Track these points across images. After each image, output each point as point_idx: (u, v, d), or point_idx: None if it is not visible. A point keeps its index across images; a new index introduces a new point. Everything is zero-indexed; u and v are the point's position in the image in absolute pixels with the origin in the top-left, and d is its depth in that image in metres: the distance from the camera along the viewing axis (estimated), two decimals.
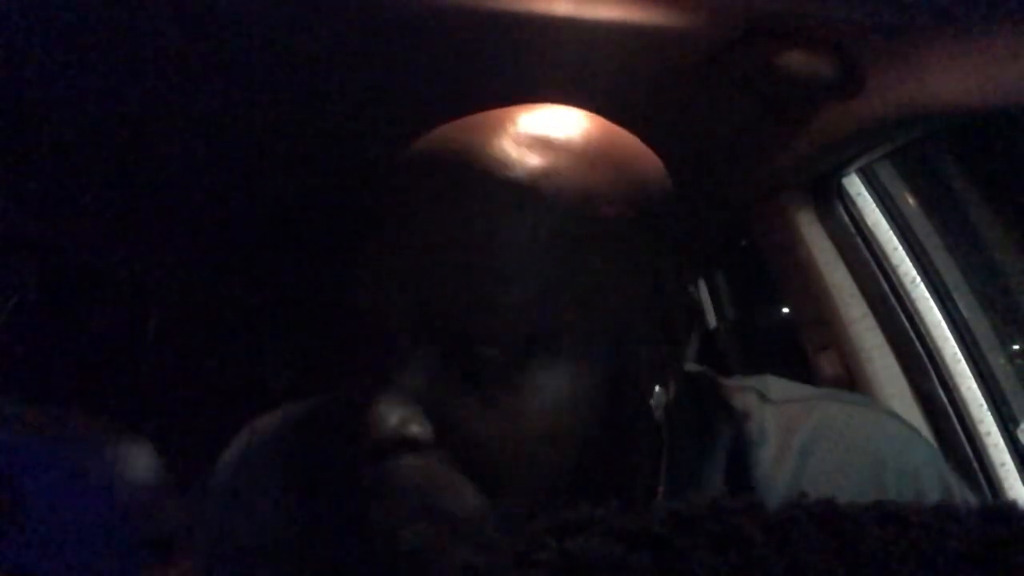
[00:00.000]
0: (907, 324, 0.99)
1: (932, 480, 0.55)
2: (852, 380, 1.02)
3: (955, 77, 0.74)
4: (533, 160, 0.47)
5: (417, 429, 0.45)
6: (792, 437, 0.55)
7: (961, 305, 0.99)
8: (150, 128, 0.92)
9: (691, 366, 0.63)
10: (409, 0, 0.73)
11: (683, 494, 0.53)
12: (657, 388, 0.51)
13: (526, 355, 0.45)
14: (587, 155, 0.49)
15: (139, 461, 0.40)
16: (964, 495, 0.56)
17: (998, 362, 0.98)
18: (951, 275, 1.01)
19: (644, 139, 0.75)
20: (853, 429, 0.56)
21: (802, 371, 1.10)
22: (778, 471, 0.54)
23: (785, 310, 1.25)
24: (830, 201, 1.04)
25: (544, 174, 0.47)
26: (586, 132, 0.51)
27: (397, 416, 0.45)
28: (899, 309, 1.00)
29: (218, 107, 0.89)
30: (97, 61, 0.80)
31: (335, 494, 0.52)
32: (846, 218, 1.04)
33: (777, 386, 0.59)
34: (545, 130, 0.49)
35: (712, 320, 1.52)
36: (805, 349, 1.10)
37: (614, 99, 0.85)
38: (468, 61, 0.81)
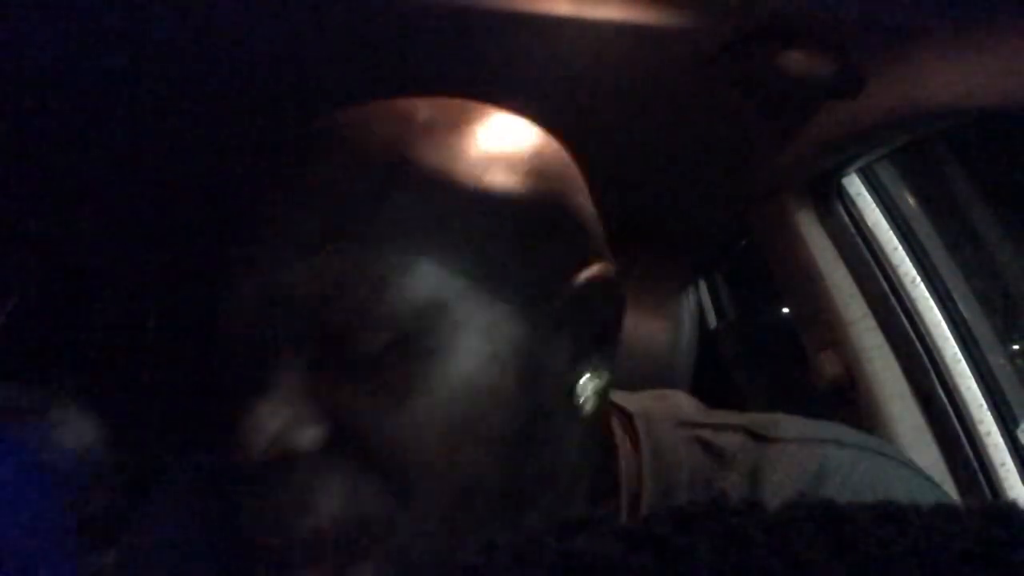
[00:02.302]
0: (907, 324, 0.99)
1: None
2: (852, 380, 1.02)
3: (955, 77, 0.74)
4: (417, 150, 0.44)
5: (302, 433, 0.40)
6: (789, 483, 0.49)
7: (961, 305, 0.99)
8: (150, 127, 0.92)
9: (662, 393, 0.59)
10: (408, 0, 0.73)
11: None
12: (584, 377, 0.46)
13: (406, 343, 0.41)
14: (476, 146, 0.46)
15: (75, 432, 0.37)
16: None
17: (998, 362, 0.98)
18: (951, 275, 1.01)
19: (644, 139, 0.76)
20: (858, 475, 0.50)
21: (802, 371, 1.10)
22: None
23: (785, 310, 1.25)
24: (830, 201, 1.04)
25: (454, 145, 0.45)
26: (477, 122, 0.48)
27: (278, 421, 0.40)
28: (899, 309, 1.00)
29: (218, 106, 0.89)
30: (97, 59, 0.80)
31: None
32: (846, 218, 1.04)
33: (769, 422, 0.53)
34: (438, 120, 0.47)
35: (712, 320, 1.52)
36: (805, 349, 1.10)
37: (614, 99, 0.85)
38: (468, 61, 0.81)
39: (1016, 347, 1.06)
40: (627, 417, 0.54)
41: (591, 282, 0.47)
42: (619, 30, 0.76)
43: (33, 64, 0.80)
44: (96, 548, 0.37)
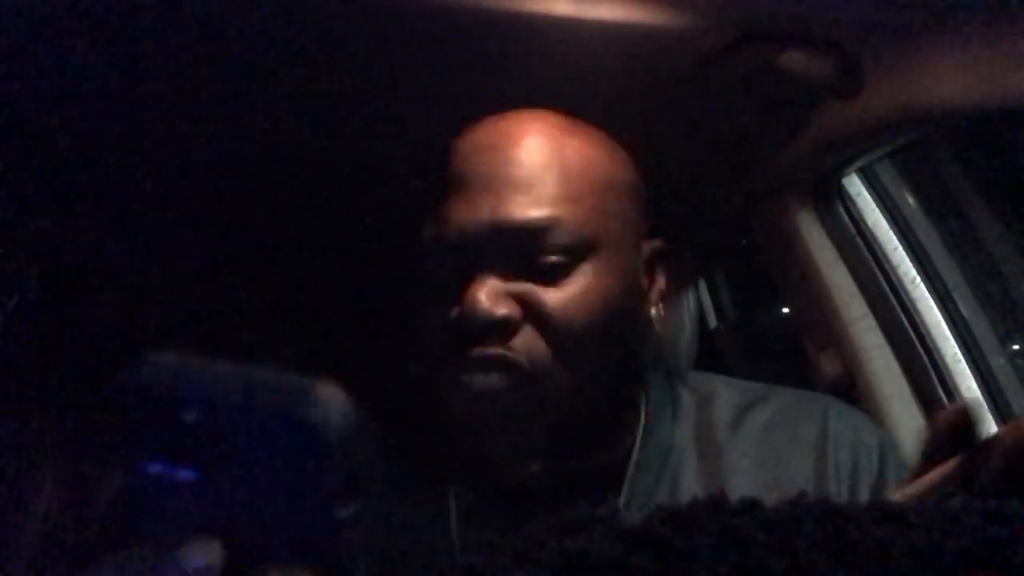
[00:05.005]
0: (907, 324, 0.99)
1: (871, 450, 0.73)
2: (852, 380, 1.02)
3: (955, 77, 0.74)
4: (575, 131, 0.73)
5: (507, 310, 0.67)
6: (752, 412, 0.76)
7: (961, 305, 0.99)
8: (150, 127, 0.92)
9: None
10: (408, 0, 0.73)
11: (656, 445, 0.74)
12: (653, 310, 0.75)
13: (577, 258, 0.68)
14: (600, 135, 0.75)
15: (338, 404, 0.41)
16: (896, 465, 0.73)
17: (998, 362, 0.98)
18: (951, 275, 1.01)
19: (645, 139, 0.76)
20: (805, 404, 0.77)
21: (802, 371, 1.10)
22: (740, 440, 0.74)
23: (785, 310, 1.25)
24: (830, 201, 1.04)
25: (583, 139, 0.73)
26: (592, 126, 0.75)
27: (493, 302, 0.66)
28: (899, 309, 1.00)
29: (219, 107, 0.89)
30: (98, 59, 0.80)
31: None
32: (846, 218, 1.04)
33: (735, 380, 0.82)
34: (571, 119, 0.74)
35: (712, 320, 1.52)
36: (805, 349, 1.10)
37: (614, 100, 0.85)
38: (467, 61, 0.81)
39: (1016, 347, 1.06)
40: None
41: (655, 251, 0.76)
42: (619, 30, 0.76)
43: (33, 63, 0.81)
44: (341, 503, 0.41)
